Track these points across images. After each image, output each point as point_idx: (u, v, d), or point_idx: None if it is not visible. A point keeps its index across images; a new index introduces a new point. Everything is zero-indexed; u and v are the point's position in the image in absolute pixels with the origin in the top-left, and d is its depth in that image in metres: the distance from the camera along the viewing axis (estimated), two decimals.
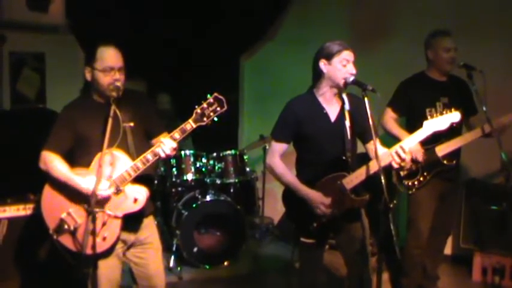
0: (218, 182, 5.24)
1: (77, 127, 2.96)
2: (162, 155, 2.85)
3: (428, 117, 3.80)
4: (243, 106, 6.57)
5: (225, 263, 5.00)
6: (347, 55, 3.04)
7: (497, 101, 3.94)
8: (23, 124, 4.91)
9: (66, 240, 2.94)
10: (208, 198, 5.01)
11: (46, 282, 4.17)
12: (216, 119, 2.89)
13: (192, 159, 5.19)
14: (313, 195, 3.07)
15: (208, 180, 5.21)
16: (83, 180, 2.87)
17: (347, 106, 3.10)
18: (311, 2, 5.94)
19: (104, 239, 2.88)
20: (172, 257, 4.88)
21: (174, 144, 2.86)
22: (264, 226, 5.78)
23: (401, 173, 3.95)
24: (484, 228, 4.60)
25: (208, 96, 2.90)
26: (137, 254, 3.13)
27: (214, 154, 5.32)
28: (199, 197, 5.04)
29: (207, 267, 4.94)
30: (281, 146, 3.18)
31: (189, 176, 5.15)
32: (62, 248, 2.94)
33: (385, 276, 4.56)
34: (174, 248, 4.91)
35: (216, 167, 5.28)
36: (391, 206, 2.81)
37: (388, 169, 2.99)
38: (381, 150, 3.10)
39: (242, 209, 5.08)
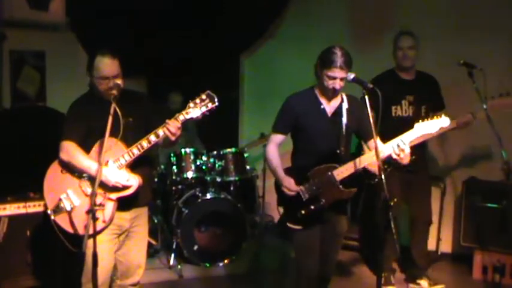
0: (218, 180, 5.24)
1: (88, 119, 3.15)
2: (167, 132, 3.00)
3: (394, 114, 4.06)
4: (243, 104, 6.56)
5: (226, 261, 4.99)
6: (336, 73, 3.11)
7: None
8: (23, 122, 4.91)
9: (62, 221, 3.10)
10: (208, 196, 5.01)
11: (46, 279, 4.18)
12: (207, 113, 3.05)
13: (192, 157, 5.19)
14: (284, 179, 3.26)
15: (208, 178, 5.21)
16: (105, 169, 3.02)
17: (345, 104, 3.24)
18: None
19: (97, 219, 2.99)
20: (173, 255, 4.89)
21: (179, 124, 3.02)
22: (264, 224, 5.78)
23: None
24: (484, 226, 4.60)
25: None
26: (123, 239, 3.26)
27: (215, 152, 5.31)
28: (200, 195, 5.04)
29: (208, 265, 4.95)
30: (278, 137, 3.38)
31: (190, 174, 5.16)
32: (58, 229, 3.08)
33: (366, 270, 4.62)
34: (174, 246, 4.91)
35: (217, 165, 5.28)
36: (391, 204, 2.84)
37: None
38: (382, 145, 3.18)
39: (242, 207, 5.08)
